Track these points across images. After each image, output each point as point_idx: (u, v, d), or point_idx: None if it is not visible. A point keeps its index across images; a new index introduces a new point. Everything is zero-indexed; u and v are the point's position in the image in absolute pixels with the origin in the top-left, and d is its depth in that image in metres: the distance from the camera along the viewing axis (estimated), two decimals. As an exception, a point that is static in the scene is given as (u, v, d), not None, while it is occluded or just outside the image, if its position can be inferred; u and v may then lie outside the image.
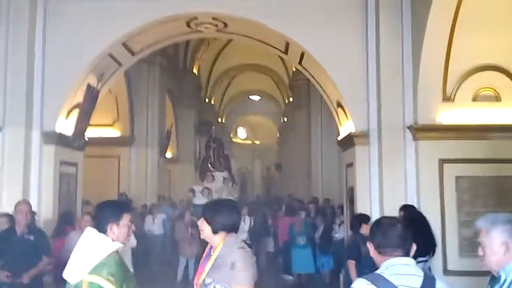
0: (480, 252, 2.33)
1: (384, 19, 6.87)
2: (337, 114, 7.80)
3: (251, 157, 30.84)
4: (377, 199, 6.58)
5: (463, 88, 6.36)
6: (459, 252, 6.25)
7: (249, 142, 31.56)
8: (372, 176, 6.70)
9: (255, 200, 17.07)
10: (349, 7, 7.18)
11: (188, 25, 7.81)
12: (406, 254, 2.29)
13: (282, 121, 25.99)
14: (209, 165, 12.83)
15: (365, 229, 5.13)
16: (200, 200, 9.85)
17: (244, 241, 8.66)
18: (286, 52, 8.04)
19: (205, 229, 2.82)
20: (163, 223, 11.03)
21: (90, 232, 2.66)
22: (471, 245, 5.99)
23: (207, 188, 10.80)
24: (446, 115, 6.38)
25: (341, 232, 8.25)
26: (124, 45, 7.73)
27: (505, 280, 2.20)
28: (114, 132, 12.77)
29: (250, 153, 30.90)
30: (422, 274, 2.27)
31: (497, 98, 6.38)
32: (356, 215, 5.95)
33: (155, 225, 10.92)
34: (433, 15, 5.99)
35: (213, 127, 14.48)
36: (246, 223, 9.11)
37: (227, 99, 25.83)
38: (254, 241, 9.25)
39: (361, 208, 6.49)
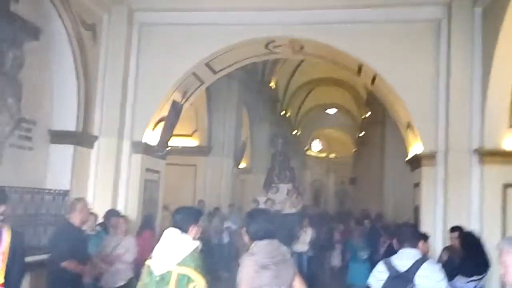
0: (502, 270, 2.78)
1: (456, 44, 7.27)
2: (406, 135, 8.21)
3: (325, 170, 31.17)
4: (441, 220, 6.94)
5: (531, 115, 6.58)
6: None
7: (323, 154, 31.93)
8: (437, 196, 7.08)
9: (321, 213, 17.48)
10: (422, 32, 7.62)
11: (266, 47, 8.61)
12: (413, 246, 3.61)
13: (358, 135, 26.18)
14: (275, 177, 13.48)
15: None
16: None
17: (305, 253, 9.28)
18: (359, 74, 8.59)
19: (246, 238, 3.32)
20: (230, 232, 11.63)
21: (173, 231, 3.28)
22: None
23: (270, 199, 11.40)
24: (512, 141, 6.63)
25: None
26: (207, 65, 8.67)
27: None
28: (193, 142, 13.86)
29: (324, 165, 31.25)
30: (416, 258, 3.51)
31: None
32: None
33: (223, 233, 11.58)
34: (502, 44, 6.32)
35: (280, 139, 15.16)
36: (308, 234, 9.64)
37: (303, 112, 26.47)
38: (317, 254, 9.73)
39: (424, 227, 6.87)
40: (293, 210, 11.39)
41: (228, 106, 14.39)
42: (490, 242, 5.96)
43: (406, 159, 8.35)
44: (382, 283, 3.54)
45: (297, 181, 15.24)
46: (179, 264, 3.15)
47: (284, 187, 12.83)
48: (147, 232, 7.63)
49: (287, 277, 3.19)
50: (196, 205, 11.43)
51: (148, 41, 8.40)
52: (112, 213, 6.93)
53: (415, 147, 7.88)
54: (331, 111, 28.08)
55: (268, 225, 3.27)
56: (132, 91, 8.31)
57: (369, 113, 20.68)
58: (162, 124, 8.72)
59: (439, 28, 7.55)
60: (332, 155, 31.76)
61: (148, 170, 8.62)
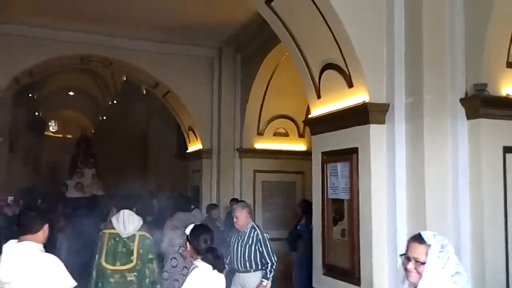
0: (236, 220, 6.18)
1: (224, 75, 11.19)
2: (188, 135, 11.82)
3: (62, 150, 32.23)
4: (215, 194, 10.82)
5: (269, 127, 10.99)
6: (263, 227, 10.70)
7: (60, 135, 32.89)
8: (212, 179, 10.93)
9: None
10: (203, 64, 11.33)
11: (81, 60, 10.86)
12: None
13: (100, 118, 28.60)
14: (79, 162, 15.29)
15: (213, 213, 9.29)
16: (73, 194, 12.41)
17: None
18: (154, 88, 11.73)
19: None
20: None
21: (128, 211, 5.37)
22: (270, 223, 10.57)
23: (80, 183, 13.41)
24: (259, 143, 10.93)
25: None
26: (29, 71, 10.38)
27: (245, 233, 5.66)
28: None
29: (61, 145, 32.26)
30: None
31: (286, 134, 11.17)
32: (208, 204, 9.91)
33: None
34: (256, 84, 10.44)
35: (83, 128, 16.85)
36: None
37: (46, 93, 27.20)
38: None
39: (206, 200, 10.62)
40: (101, 192, 13.64)
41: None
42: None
43: (187, 152, 11.99)
44: None
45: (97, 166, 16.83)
46: (139, 230, 5.23)
47: (89, 172, 14.76)
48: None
49: None
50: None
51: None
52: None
53: (195, 144, 11.56)
54: (72, 93, 29.50)
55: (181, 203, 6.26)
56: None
57: (117, 101, 23.71)
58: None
59: (213, 63, 11.33)
60: (69, 135, 32.96)
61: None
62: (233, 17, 9.56)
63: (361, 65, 5.56)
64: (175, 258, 5.96)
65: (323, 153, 6.43)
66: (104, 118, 28.22)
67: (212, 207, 9.58)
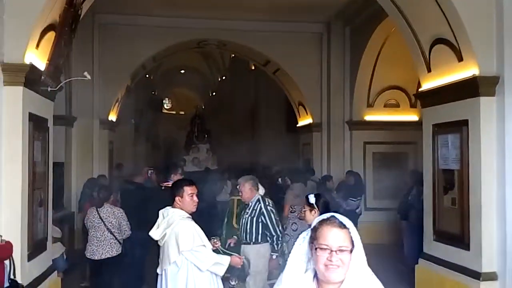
0: (241, 194, 6.32)
1: (333, 49, 11.73)
2: (298, 110, 12.58)
3: (177, 126, 34.69)
4: (325, 166, 11.51)
5: (379, 98, 11.38)
6: (373, 197, 11.33)
7: (174, 112, 35.38)
8: (323, 152, 11.64)
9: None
10: (311, 40, 11.93)
11: (198, 44, 12.00)
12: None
13: (210, 94, 30.41)
14: (194, 138, 16.91)
15: (328, 184, 9.97)
16: (191, 168, 13.83)
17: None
18: (265, 65, 12.60)
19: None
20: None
21: None
22: (380, 193, 11.04)
23: (197, 158, 14.88)
24: (369, 115, 11.38)
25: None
26: (153, 57, 11.72)
27: (250, 205, 5.76)
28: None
29: (175, 122, 34.73)
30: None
31: (397, 105, 11.47)
32: (324, 175, 10.65)
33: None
34: (367, 53, 10.84)
35: (198, 105, 18.33)
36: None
37: (161, 73, 29.40)
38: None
39: (318, 171, 11.36)
40: (215, 167, 15.00)
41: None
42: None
43: (298, 125, 12.78)
44: None
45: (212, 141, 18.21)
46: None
47: (203, 147, 16.26)
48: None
49: None
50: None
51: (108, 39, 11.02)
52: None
53: (305, 119, 12.30)
54: (183, 71, 31.60)
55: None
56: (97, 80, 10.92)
57: (226, 77, 25.14)
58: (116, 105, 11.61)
59: (322, 38, 11.88)
60: (181, 112, 35.33)
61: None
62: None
63: (471, 39, 5.86)
64: (295, 223, 6.84)
65: (434, 125, 6.83)
66: (214, 94, 29.93)
67: (327, 178, 10.30)
